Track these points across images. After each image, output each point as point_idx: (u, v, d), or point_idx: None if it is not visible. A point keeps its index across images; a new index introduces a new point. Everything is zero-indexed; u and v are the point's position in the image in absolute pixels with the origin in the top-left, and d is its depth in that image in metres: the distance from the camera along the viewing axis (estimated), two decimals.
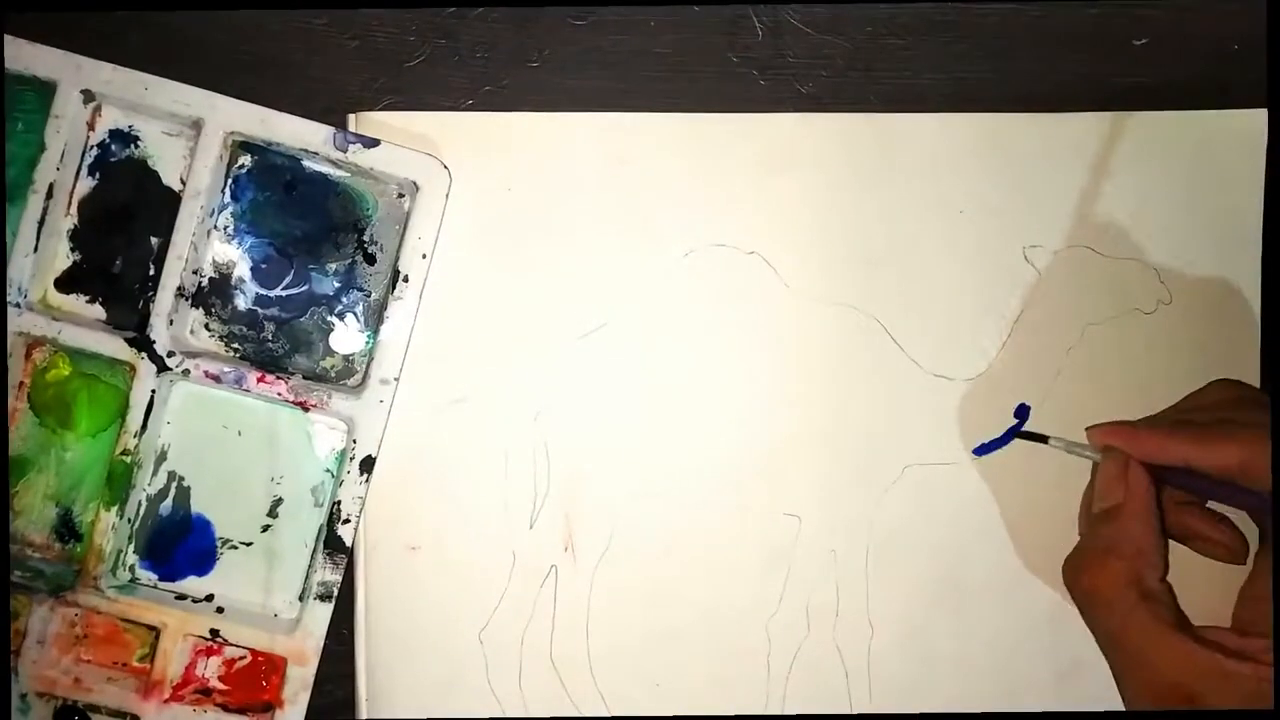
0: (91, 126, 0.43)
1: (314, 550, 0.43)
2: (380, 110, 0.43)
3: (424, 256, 0.42)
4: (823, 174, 0.44)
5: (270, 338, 0.43)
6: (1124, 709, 0.36)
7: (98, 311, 0.43)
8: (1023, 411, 0.44)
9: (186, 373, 0.42)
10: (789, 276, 0.44)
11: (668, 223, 0.44)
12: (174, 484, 0.43)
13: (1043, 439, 0.42)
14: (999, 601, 0.44)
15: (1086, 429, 0.39)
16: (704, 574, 0.44)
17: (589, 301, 0.44)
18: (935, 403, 0.44)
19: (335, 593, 0.42)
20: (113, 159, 0.43)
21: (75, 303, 0.43)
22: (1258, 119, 0.44)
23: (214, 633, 0.42)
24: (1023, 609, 0.44)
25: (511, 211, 0.44)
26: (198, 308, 0.43)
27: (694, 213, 0.44)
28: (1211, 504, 0.39)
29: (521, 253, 0.44)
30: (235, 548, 0.44)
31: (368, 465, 0.42)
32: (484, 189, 0.43)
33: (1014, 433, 0.44)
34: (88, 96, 0.42)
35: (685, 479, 0.44)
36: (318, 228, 0.43)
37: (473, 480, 0.44)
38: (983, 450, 0.44)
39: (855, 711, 0.44)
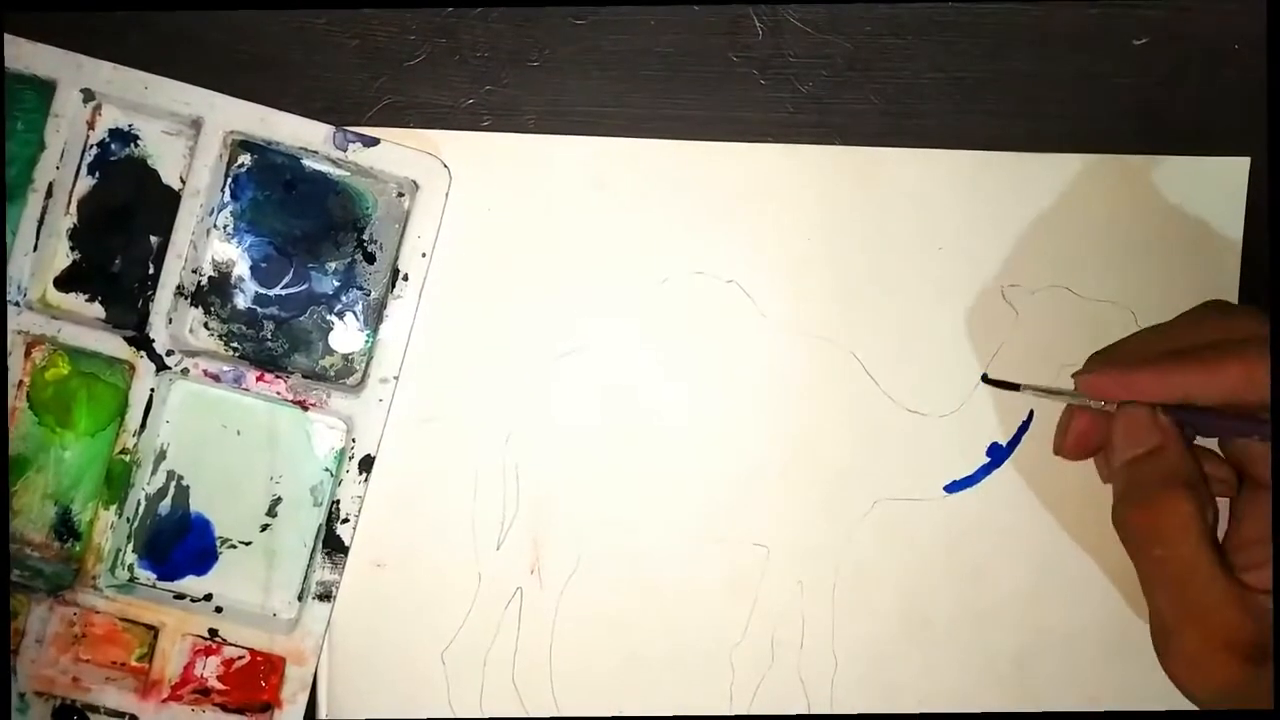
0: (91, 125, 0.43)
1: (313, 550, 0.43)
2: (379, 110, 0.43)
3: (424, 255, 0.42)
4: (803, 205, 0.44)
5: (269, 337, 0.43)
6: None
7: (97, 310, 0.43)
8: (995, 451, 0.44)
9: (186, 372, 0.42)
10: (766, 306, 0.44)
11: (646, 249, 0.44)
12: (173, 483, 0.43)
13: (1013, 386, 0.41)
14: (965, 639, 0.44)
15: (1074, 375, 0.39)
16: (670, 601, 0.44)
17: (564, 325, 0.44)
18: (908, 438, 0.44)
19: (334, 592, 0.42)
20: (112, 158, 0.43)
21: (74, 301, 0.43)
22: (1239, 165, 0.44)
23: (213, 632, 0.42)
24: (989, 647, 0.44)
25: (490, 232, 0.43)
26: (197, 307, 0.43)
27: (673, 240, 0.44)
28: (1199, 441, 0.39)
29: (499, 274, 0.44)
30: (234, 547, 0.43)
31: (367, 464, 0.42)
32: (463, 209, 0.43)
33: (986, 471, 0.44)
34: (87, 95, 0.42)
35: (655, 505, 0.44)
36: (317, 227, 0.43)
37: (441, 499, 0.43)
38: (955, 488, 0.44)
39: None
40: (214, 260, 0.43)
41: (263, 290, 0.43)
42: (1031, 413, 0.44)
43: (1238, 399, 0.35)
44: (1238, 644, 0.33)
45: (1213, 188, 0.44)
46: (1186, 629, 0.34)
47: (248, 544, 0.44)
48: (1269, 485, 0.37)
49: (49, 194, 0.42)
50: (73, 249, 0.43)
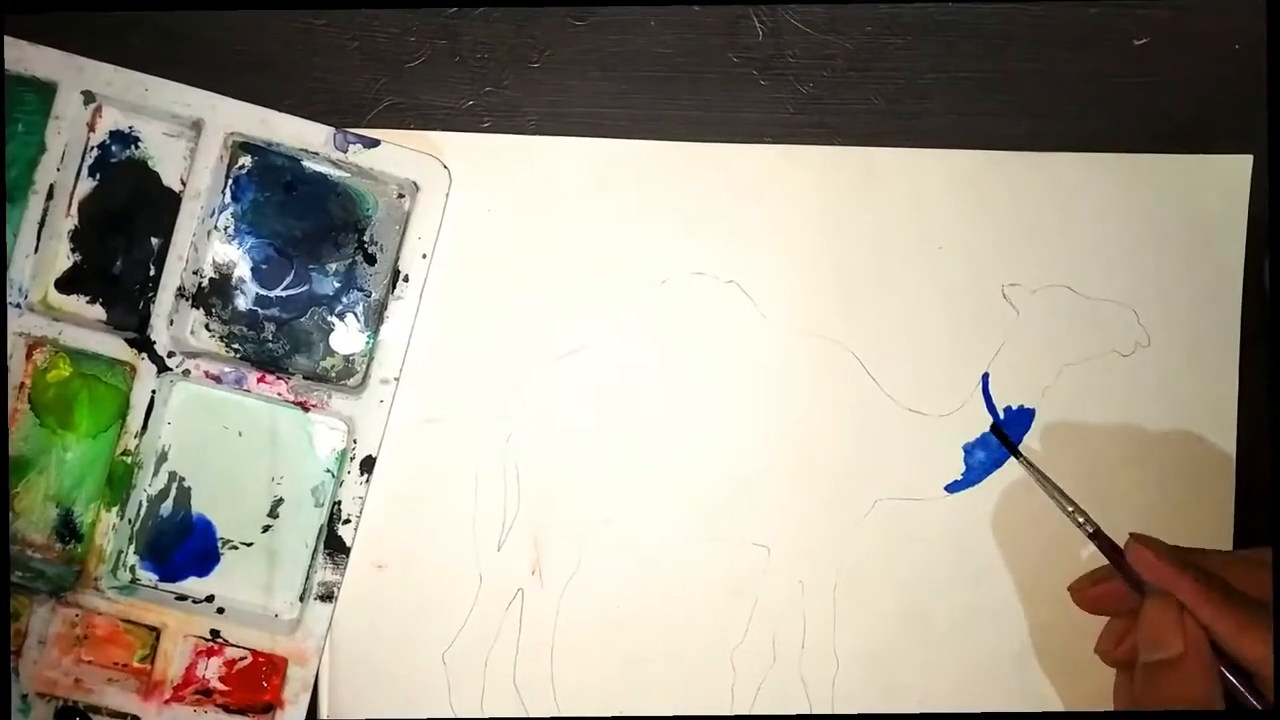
0: (92, 127, 0.43)
1: (314, 550, 0.43)
2: (379, 112, 0.43)
3: (424, 256, 0.42)
4: (802, 206, 0.44)
5: (270, 338, 0.43)
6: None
7: (98, 312, 0.43)
8: (997, 428, 0.44)
9: (187, 373, 0.42)
10: (766, 307, 0.44)
11: (646, 249, 0.44)
12: (174, 484, 0.43)
13: (1015, 452, 0.42)
14: (965, 639, 0.44)
15: (1131, 536, 0.38)
16: (671, 602, 0.44)
17: (565, 326, 0.44)
18: (908, 438, 0.44)
19: (336, 593, 0.42)
20: (113, 160, 0.43)
21: (76, 303, 0.43)
22: (1241, 164, 0.44)
23: (214, 633, 0.42)
24: (989, 647, 0.44)
25: (490, 233, 0.44)
26: (198, 308, 0.43)
27: (673, 240, 0.44)
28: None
29: (499, 275, 0.44)
30: (236, 548, 0.44)
31: (368, 465, 0.42)
32: (463, 210, 0.43)
33: (986, 471, 0.44)
34: (88, 97, 0.42)
35: (655, 506, 0.44)
36: (318, 228, 0.43)
37: (442, 500, 0.44)
38: (955, 487, 0.44)
39: None
40: (215, 262, 0.43)
41: (264, 292, 0.44)
42: (1033, 412, 0.44)
43: (1250, 670, 0.35)
44: None
45: (1215, 185, 0.44)
46: None
47: (249, 545, 0.44)
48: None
49: (50, 196, 0.42)
50: (74, 251, 0.43)
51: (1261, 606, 0.35)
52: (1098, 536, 0.40)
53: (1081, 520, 0.40)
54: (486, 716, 0.43)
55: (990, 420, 0.44)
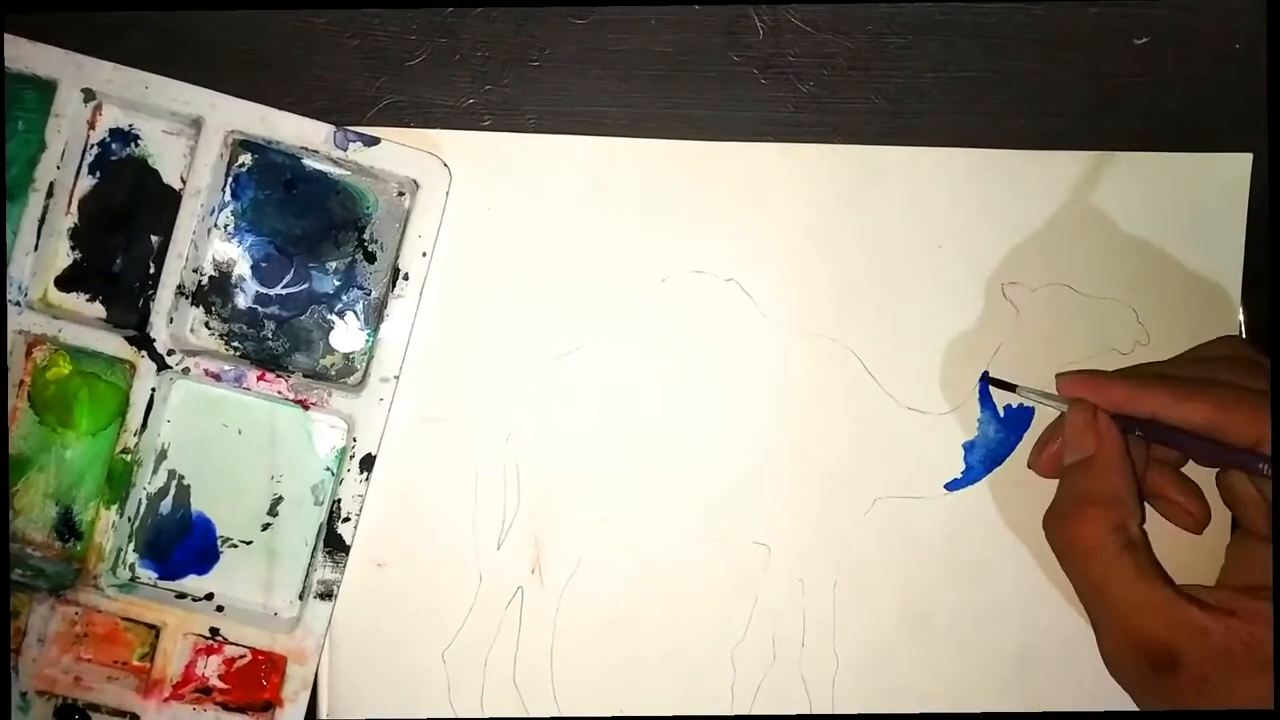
0: (92, 125, 0.43)
1: (314, 549, 0.43)
2: (379, 110, 0.43)
3: (424, 254, 0.42)
4: (802, 204, 0.44)
5: (270, 336, 0.43)
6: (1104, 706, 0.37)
7: (98, 310, 0.43)
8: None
9: (187, 371, 0.42)
10: (765, 305, 0.44)
11: (646, 248, 0.44)
12: (174, 482, 0.43)
13: (1010, 387, 0.42)
14: (966, 638, 0.44)
15: (1056, 375, 0.40)
16: (671, 600, 0.44)
17: (565, 324, 0.44)
18: (908, 436, 0.44)
19: (336, 591, 0.42)
20: (113, 158, 0.43)
21: (75, 301, 0.43)
22: (1241, 161, 0.44)
23: (214, 631, 0.42)
24: (989, 646, 0.44)
25: (490, 232, 0.44)
26: (198, 306, 0.43)
27: (672, 239, 0.44)
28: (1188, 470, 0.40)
29: (499, 274, 0.44)
30: (235, 546, 0.44)
31: (368, 463, 0.42)
32: (463, 209, 0.43)
33: (986, 470, 0.44)
34: (88, 95, 0.42)
35: (655, 505, 0.44)
36: (318, 226, 0.43)
37: (442, 498, 0.43)
38: (955, 486, 0.44)
39: None
40: (215, 260, 0.43)
41: (263, 290, 0.44)
42: (1032, 411, 0.44)
43: (1203, 432, 0.36)
44: (1145, 650, 0.34)
45: (1215, 184, 0.44)
46: (1101, 631, 0.36)
47: (249, 543, 0.44)
48: (1260, 533, 0.38)
49: (50, 194, 0.42)
50: (74, 249, 0.43)
51: (1202, 380, 0.37)
52: (1030, 392, 0.41)
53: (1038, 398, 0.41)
54: (486, 716, 0.43)
55: (982, 422, 0.44)
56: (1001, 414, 0.44)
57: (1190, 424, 0.36)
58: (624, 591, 0.44)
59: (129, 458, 0.42)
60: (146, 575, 0.44)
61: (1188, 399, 0.36)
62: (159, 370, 0.42)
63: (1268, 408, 0.35)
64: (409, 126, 0.43)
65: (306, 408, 0.43)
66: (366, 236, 0.43)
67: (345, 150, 0.42)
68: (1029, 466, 0.41)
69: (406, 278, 0.42)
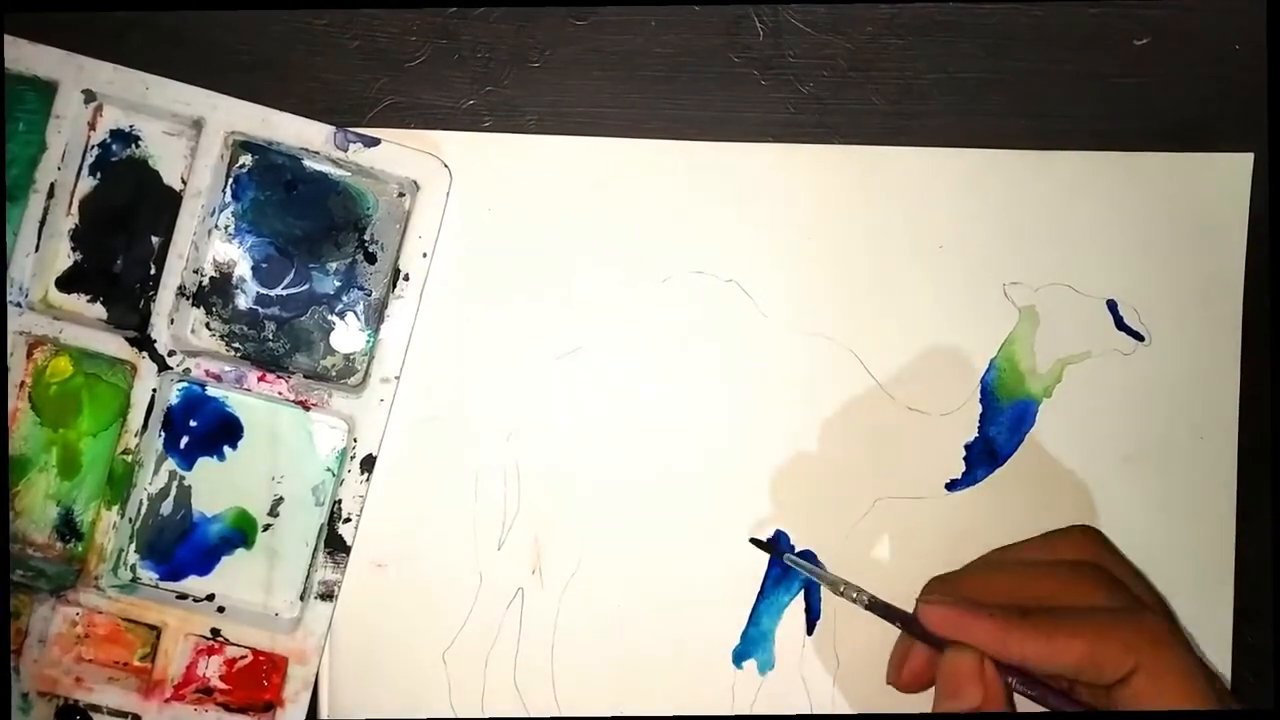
0: (93, 126, 0.43)
1: (315, 549, 0.43)
2: (380, 111, 0.43)
3: (425, 255, 0.42)
4: (802, 205, 0.44)
5: (271, 337, 0.44)
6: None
7: (99, 311, 0.43)
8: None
9: (187, 372, 0.42)
10: (766, 305, 0.44)
11: (646, 248, 0.44)
12: (175, 483, 0.44)
13: (773, 551, 0.42)
14: None
15: (919, 599, 0.37)
16: (671, 601, 0.44)
17: (565, 324, 0.44)
18: (909, 437, 0.44)
19: (336, 592, 0.43)
20: (114, 159, 0.43)
21: (76, 302, 0.43)
22: (1242, 161, 0.44)
23: (215, 632, 0.43)
24: None
25: (491, 232, 0.44)
26: (199, 307, 0.43)
27: (673, 239, 0.44)
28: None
29: (500, 274, 0.44)
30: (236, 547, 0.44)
31: (368, 464, 0.42)
32: (463, 209, 0.43)
33: (987, 470, 0.43)
34: (89, 96, 0.42)
35: (656, 505, 0.44)
36: (318, 227, 0.43)
37: (442, 499, 0.43)
38: (955, 486, 0.44)
39: None
40: (215, 261, 0.43)
41: (264, 290, 0.44)
42: (1036, 409, 0.44)
43: (1076, 675, 0.35)
44: None
45: (1215, 184, 0.44)
46: None
47: (249, 544, 0.44)
48: (940, 693, 0.36)
49: (50, 195, 0.42)
50: (74, 249, 0.43)
51: (1062, 610, 0.35)
52: (874, 607, 0.39)
53: (854, 596, 0.39)
54: (486, 716, 0.43)
55: (978, 431, 0.44)
56: (1004, 417, 0.44)
57: (1062, 664, 0.34)
58: (624, 592, 0.44)
59: (130, 458, 0.42)
60: (147, 576, 0.44)
61: (1058, 634, 0.34)
62: (160, 371, 0.42)
63: (1140, 629, 0.34)
64: (409, 127, 0.43)
65: (307, 408, 0.43)
66: (367, 237, 0.44)
67: (345, 151, 0.42)
68: (888, 683, 0.39)
69: (407, 278, 0.42)
